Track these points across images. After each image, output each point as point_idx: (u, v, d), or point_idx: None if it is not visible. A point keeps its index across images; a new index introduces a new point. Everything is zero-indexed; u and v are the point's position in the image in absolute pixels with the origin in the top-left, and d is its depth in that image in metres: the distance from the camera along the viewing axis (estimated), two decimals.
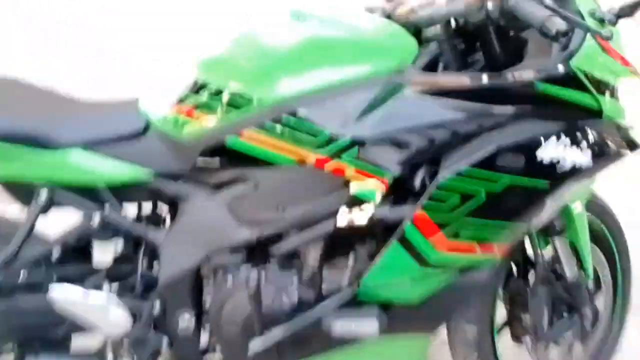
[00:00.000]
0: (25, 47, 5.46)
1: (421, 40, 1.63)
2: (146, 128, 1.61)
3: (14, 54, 5.37)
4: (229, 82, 1.54)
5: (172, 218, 1.66)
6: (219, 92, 1.54)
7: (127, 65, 5.02)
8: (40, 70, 4.93)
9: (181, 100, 1.60)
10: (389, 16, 1.66)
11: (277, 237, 1.55)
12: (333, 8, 1.69)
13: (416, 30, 1.64)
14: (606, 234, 1.94)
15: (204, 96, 1.56)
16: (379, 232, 1.50)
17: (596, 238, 1.89)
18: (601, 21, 1.52)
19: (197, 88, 1.58)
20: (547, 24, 1.35)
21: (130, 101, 1.67)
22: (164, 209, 1.67)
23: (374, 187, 1.48)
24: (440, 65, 1.63)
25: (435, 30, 1.60)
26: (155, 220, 1.67)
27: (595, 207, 1.90)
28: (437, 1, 1.57)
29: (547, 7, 1.38)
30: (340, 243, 1.56)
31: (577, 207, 1.73)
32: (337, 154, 1.48)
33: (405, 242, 1.48)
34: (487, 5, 1.48)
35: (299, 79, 1.51)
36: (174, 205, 1.64)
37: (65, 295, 1.52)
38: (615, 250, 1.97)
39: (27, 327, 1.59)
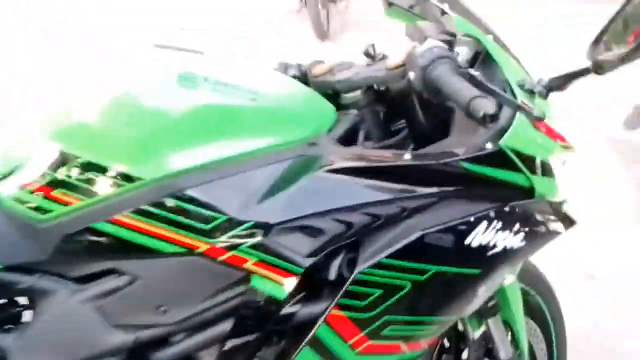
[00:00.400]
0: (25, 47, 5.27)
1: (339, 106, 1.40)
2: None
3: (14, 54, 5.20)
4: (100, 156, 1.22)
5: (24, 320, 1.34)
6: (87, 168, 1.22)
7: (127, 66, 4.74)
8: (40, 70, 4.71)
9: (38, 176, 1.26)
10: (304, 75, 1.46)
11: (160, 343, 1.26)
12: (234, 68, 1.41)
13: (333, 94, 1.41)
14: (540, 304, 1.80)
15: (67, 172, 1.23)
16: (287, 335, 1.26)
17: (530, 309, 1.76)
18: (531, 93, 1.33)
19: (59, 162, 1.25)
20: (474, 106, 1.15)
21: None
22: (14, 308, 1.33)
23: (280, 281, 1.23)
24: (360, 135, 1.40)
25: (354, 95, 1.40)
26: (2, 322, 1.34)
27: (528, 276, 1.73)
28: (357, 64, 1.41)
29: (473, 83, 1.20)
30: (239, 349, 1.28)
31: (509, 282, 1.58)
32: (235, 243, 1.20)
33: (318, 347, 1.25)
34: (409, 75, 1.28)
35: (188, 154, 1.21)
36: (28, 304, 1.33)
37: None
38: (549, 319, 1.84)
39: None
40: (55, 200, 1.23)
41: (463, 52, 1.32)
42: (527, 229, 1.35)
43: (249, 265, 1.21)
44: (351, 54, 1.54)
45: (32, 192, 1.24)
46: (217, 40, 4.96)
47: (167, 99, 1.28)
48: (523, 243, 1.35)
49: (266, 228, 1.20)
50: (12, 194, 1.26)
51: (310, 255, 1.21)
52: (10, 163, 1.28)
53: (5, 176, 1.28)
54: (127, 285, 1.23)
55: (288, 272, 1.21)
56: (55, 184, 1.23)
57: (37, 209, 1.24)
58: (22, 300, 1.36)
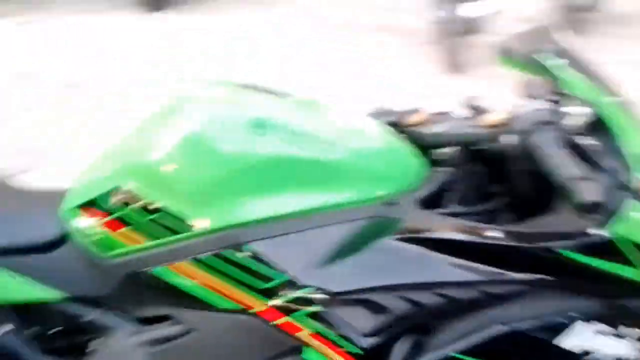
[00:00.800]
0: (25, 47, 5.16)
1: (428, 161, 1.25)
2: (64, 238, 1.27)
3: (14, 54, 5.09)
4: (167, 199, 1.17)
5: (85, 349, 1.30)
6: (153, 209, 1.18)
7: (127, 66, 4.70)
8: (40, 71, 4.62)
9: (108, 211, 1.23)
10: (396, 124, 1.31)
11: None
12: (316, 115, 1.30)
13: (423, 148, 1.26)
14: None
15: (135, 211, 1.19)
16: None
17: None
18: None
19: (128, 201, 1.21)
20: (574, 189, 0.96)
21: (53, 198, 1.32)
22: (76, 337, 1.31)
23: (335, 359, 1.11)
24: (449, 196, 1.21)
25: (446, 151, 1.24)
26: (64, 349, 1.32)
27: None
28: (454, 115, 1.25)
29: (580, 157, 1.00)
30: None
31: None
32: (292, 308, 1.11)
33: None
34: (504, 138, 1.11)
35: (253, 205, 1.13)
36: (88, 335, 1.30)
37: None
38: None
39: None
40: (120, 239, 1.20)
41: (576, 117, 1.11)
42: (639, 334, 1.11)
43: (304, 335, 1.10)
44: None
45: (100, 227, 1.22)
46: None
47: (239, 145, 1.19)
48: (634, 350, 1.10)
49: (327, 296, 1.08)
50: (83, 227, 1.25)
51: (371, 335, 1.08)
52: (86, 194, 1.26)
53: (79, 207, 1.27)
54: (181, 335, 1.19)
55: (345, 351, 1.09)
56: (122, 221, 1.20)
57: (103, 244, 1.22)
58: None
